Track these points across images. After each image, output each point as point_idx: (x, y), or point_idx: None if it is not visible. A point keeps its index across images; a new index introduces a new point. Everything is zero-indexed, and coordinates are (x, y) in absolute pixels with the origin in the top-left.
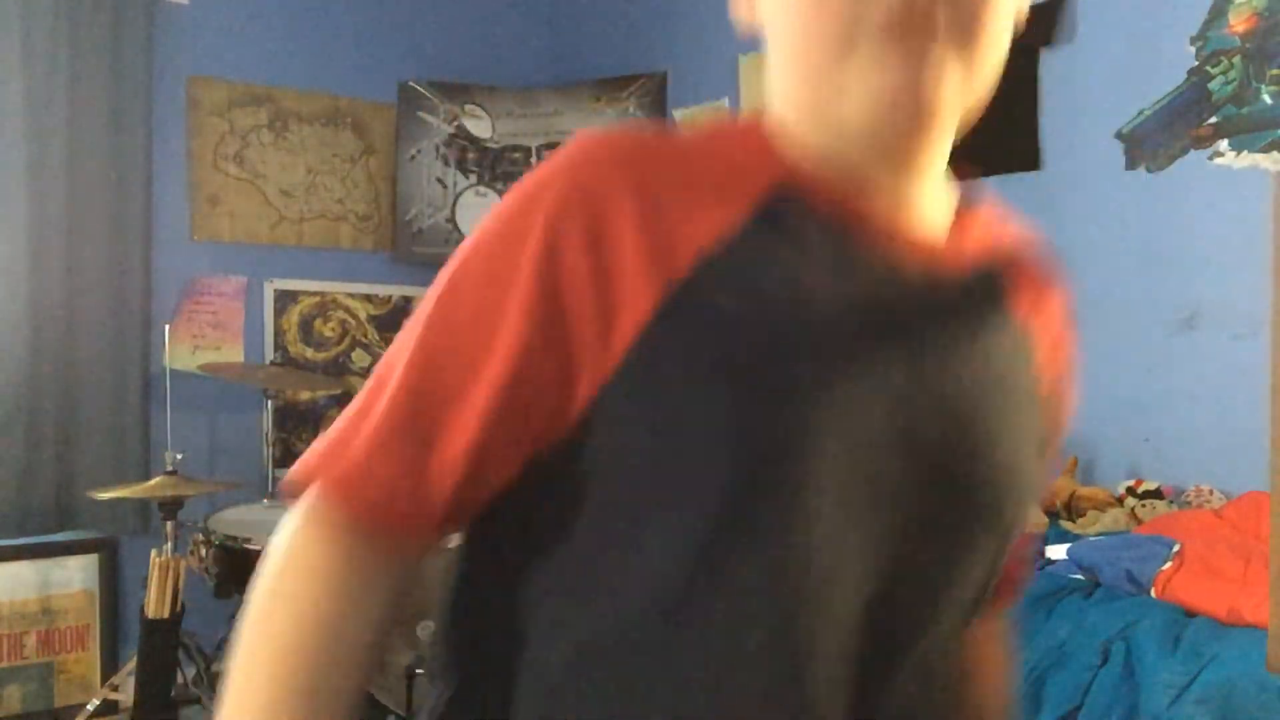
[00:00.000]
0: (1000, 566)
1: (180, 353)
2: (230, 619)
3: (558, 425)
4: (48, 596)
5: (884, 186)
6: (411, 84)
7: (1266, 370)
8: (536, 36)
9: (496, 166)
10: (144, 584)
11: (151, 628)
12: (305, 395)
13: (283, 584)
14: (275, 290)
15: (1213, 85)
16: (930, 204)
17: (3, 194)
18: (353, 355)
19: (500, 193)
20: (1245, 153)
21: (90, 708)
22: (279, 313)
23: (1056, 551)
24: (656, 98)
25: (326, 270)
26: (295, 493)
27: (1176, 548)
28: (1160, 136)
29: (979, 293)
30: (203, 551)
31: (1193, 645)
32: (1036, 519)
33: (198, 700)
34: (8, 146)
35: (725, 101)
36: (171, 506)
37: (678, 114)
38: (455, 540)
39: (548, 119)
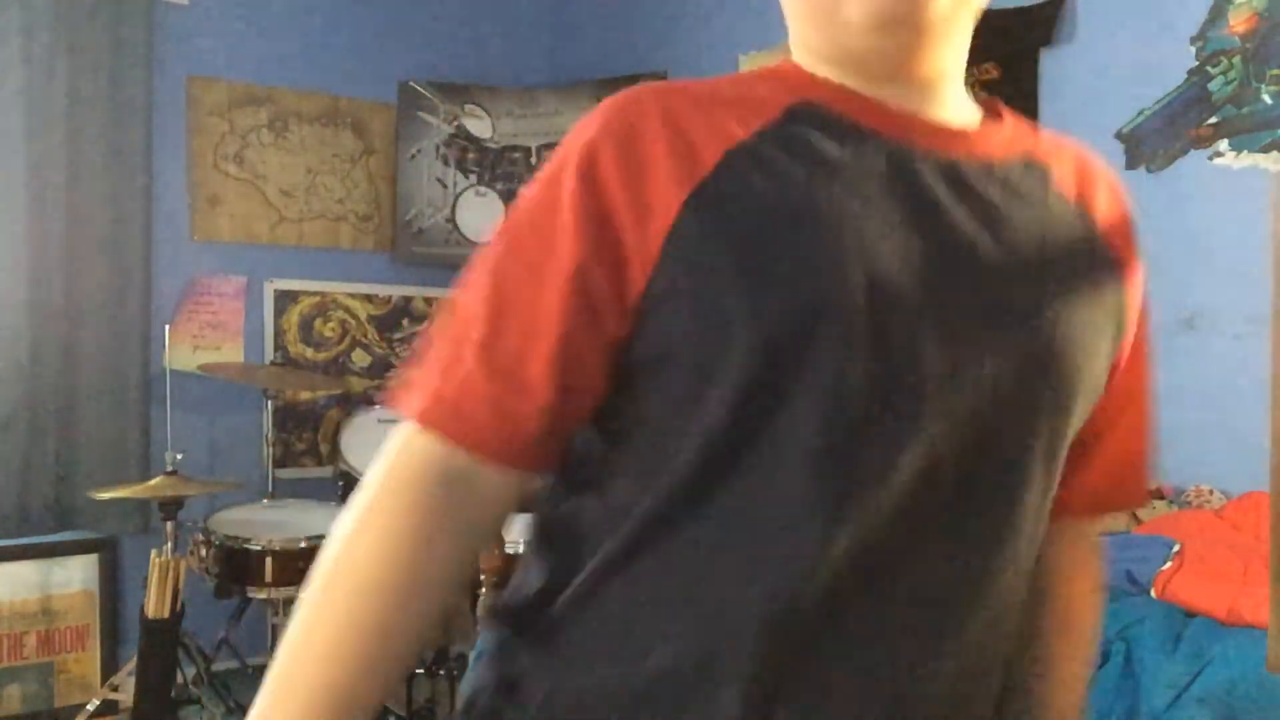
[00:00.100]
0: (1061, 451)
1: (180, 353)
2: (230, 619)
3: (622, 325)
4: (48, 596)
5: (898, 97)
6: (411, 84)
7: (1266, 370)
8: (536, 36)
9: (496, 166)
10: (144, 584)
11: (151, 628)
12: (305, 395)
13: (371, 518)
14: (275, 290)
15: (1213, 85)
16: (949, 112)
17: (3, 194)
18: (353, 355)
19: (500, 193)
20: (1245, 153)
21: (90, 708)
22: (279, 313)
23: None
24: None
25: (326, 270)
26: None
27: (1176, 548)
28: (1160, 136)
29: (1016, 173)
30: (203, 551)
31: (1193, 645)
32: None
33: (198, 700)
34: (8, 146)
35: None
36: (171, 506)
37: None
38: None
39: (548, 119)
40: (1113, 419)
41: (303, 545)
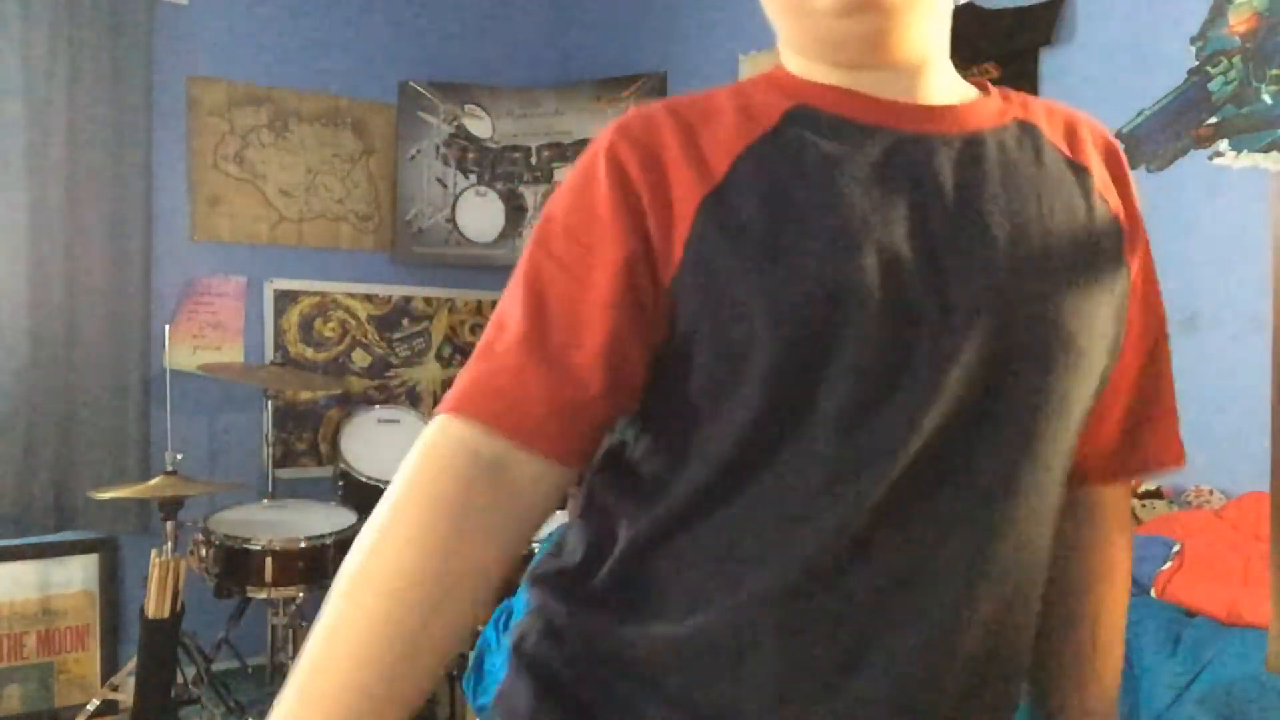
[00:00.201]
0: (1074, 410)
1: (180, 353)
2: (230, 619)
3: (658, 319)
4: (48, 596)
5: (884, 85)
6: (411, 84)
7: (1266, 370)
8: (536, 36)
9: (496, 166)
10: (144, 584)
11: (151, 628)
12: (305, 395)
13: (405, 506)
14: (275, 290)
15: (1213, 85)
16: (937, 93)
17: (3, 194)
18: (353, 355)
19: (500, 193)
20: (1245, 153)
21: (90, 708)
22: (279, 313)
23: None
24: (656, 98)
25: (326, 270)
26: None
27: (1176, 548)
28: (1160, 136)
29: (1010, 137)
30: (203, 551)
31: (1193, 645)
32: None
33: (198, 700)
34: (8, 146)
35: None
36: (171, 506)
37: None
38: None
39: (548, 119)
40: (1128, 374)
41: (303, 545)
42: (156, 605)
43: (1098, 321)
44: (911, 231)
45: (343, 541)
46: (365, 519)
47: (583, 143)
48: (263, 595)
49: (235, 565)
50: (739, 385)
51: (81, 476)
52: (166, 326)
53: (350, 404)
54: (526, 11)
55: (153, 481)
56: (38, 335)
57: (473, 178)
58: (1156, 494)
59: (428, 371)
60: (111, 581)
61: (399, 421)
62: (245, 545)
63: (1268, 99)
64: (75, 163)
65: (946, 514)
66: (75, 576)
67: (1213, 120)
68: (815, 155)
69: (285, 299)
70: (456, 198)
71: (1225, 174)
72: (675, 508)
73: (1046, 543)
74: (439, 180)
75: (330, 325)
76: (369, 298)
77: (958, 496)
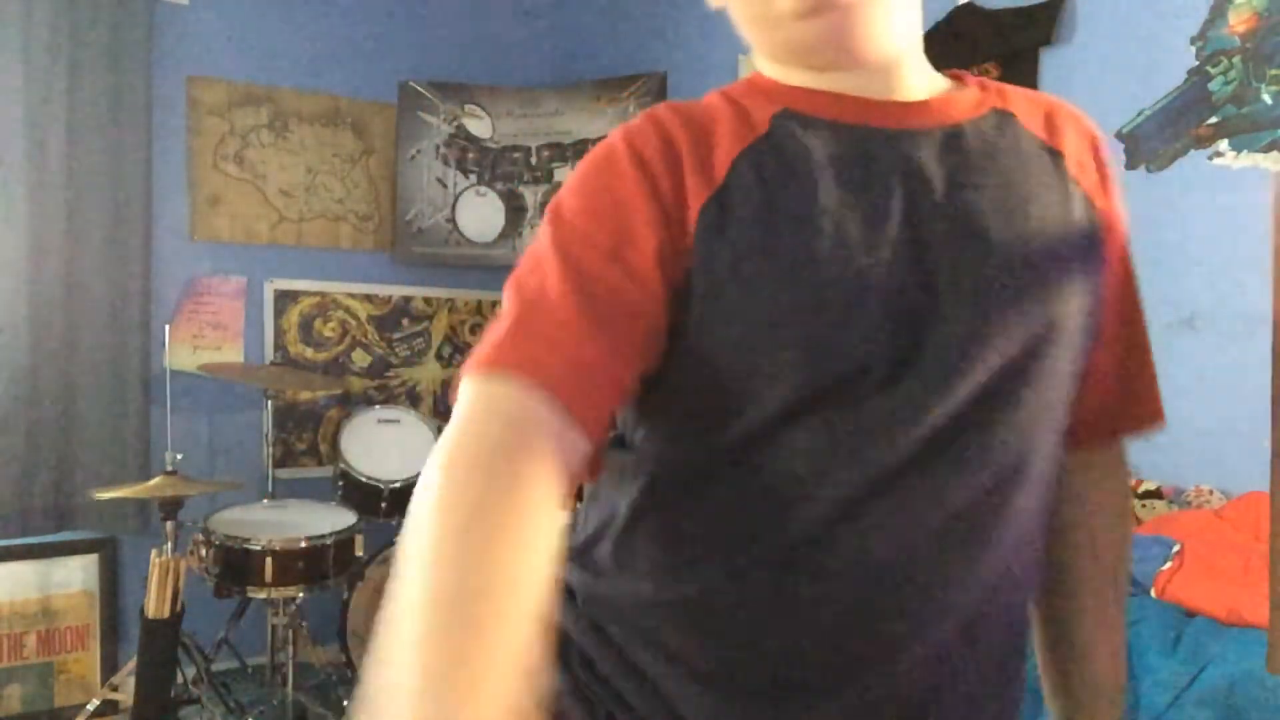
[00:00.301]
0: (1058, 380)
1: (180, 353)
2: (230, 619)
3: (675, 307)
4: (48, 596)
5: (859, 86)
6: (411, 84)
7: (1266, 370)
8: (536, 36)
9: (496, 166)
10: (144, 584)
11: (151, 628)
12: (305, 395)
13: (452, 469)
14: (275, 290)
15: (1213, 85)
16: (912, 90)
17: (3, 194)
18: (353, 355)
19: (500, 193)
20: (1245, 153)
21: (90, 708)
22: (279, 313)
23: None
24: (656, 98)
25: (326, 270)
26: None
27: (1176, 548)
28: (1160, 136)
29: (987, 126)
30: (203, 551)
31: (1193, 645)
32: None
33: (198, 700)
34: (8, 146)
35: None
36: (171, 506)
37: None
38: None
39: (548, 119)
40: (1108, 343)
41: (303, 545)
42: (156, 605)
43: (1078, 299)
44: (904, 225)
45: (343, 542)
46: (365, 519)
47: (583, 142)
48: (263, 595)
49: (235, 565)
50: (740, 378)
51: (81, 476)
52: (166, 326)
53: (350, 404)
54: (526, 11)
55: (153, 481)
56: (38, 335)
57: (473, 178)
58: (1156, 494)
59: (428, 371)
60: (111, 581)
61: (399, 421)
62: (245, 545)
63: (1268, 99)
64: (75, 163)
65: (945, 486)
66: (75, 576)
67: (1213, 120)
68: (805, 158)
69: (285, 299)
70: (456, 198)
71: (1225, 174)
72: (672, 483)
73: (1040, 508)
74: (439, 180)
75: (330, 325)
76: (369, 298)
77: (956, 470)
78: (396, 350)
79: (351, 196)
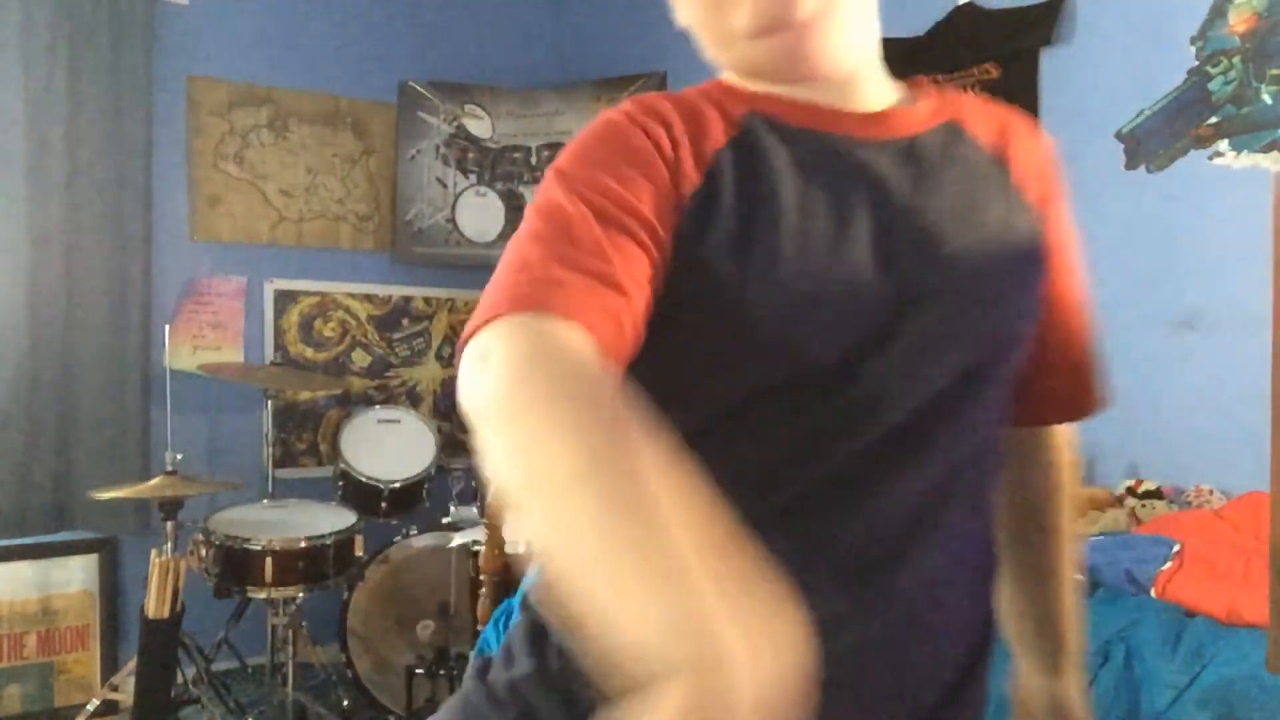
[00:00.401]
0: (1001, 371)
1: (180, 353)
2: (230, 619)
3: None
4: (48, 596)
5: (818, 97)
6: (411, 84)
7: (1266, 370)
8: (537, 36)
9: (496, 166)
10: (144, 584)
11: (151, 628)
12: (305, 395)
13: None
14: (275, 290)
15: (1213, 85)
16: (870, 101)
17: (3, 194)
18: (353, 355)
19: (500, 193)
20: (1245, 153)
21: (90, 708)
22: (279, 313)
23: None
24: None
25: (326, 270)
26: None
27: (1176, 548)
28: (1160, 136)
29: (938, 138)
30: (203, 551)
31: (1193, 645)
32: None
33: (198, 700)
34: (8, 146)
35: None
36: (171, 506)
37: None
38: None
39: (548, 119)
40: (1051, 335)
41: (303, 545)
42: (156, 605)
43: (1023, 297)
44: (868, 230)
45: (343, 541)
46: (365, 519)
47: None
48: (263, 595)
49: (235, 565)
50: (719, 362)
51: (81, 476)
52: (166, 326)
53: (350, 404)
54: (526, 11)
55: (153, 481)
56: (37, 335)
57: (472, 178)
58: (1156, 494)
59: (427, 371)
60: (111, 582)
61: (399, 421)
62: (245, 545)
63: (1268, 99)
64: (75, 162)
65: (902, 480)
66: (75, 577)
67: (1213, 120)
68: (774, 160)
69: (285, 299)
70: (456, 198)
71: (1225, 174)
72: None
73: (991, 469)
74: (439, 180)
75: (330, 325)
76: (369, 298)
77: (916, 463)
78: (396, 350)
79: (351, 196)
